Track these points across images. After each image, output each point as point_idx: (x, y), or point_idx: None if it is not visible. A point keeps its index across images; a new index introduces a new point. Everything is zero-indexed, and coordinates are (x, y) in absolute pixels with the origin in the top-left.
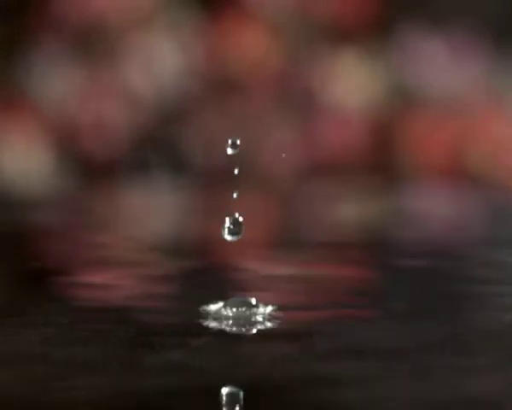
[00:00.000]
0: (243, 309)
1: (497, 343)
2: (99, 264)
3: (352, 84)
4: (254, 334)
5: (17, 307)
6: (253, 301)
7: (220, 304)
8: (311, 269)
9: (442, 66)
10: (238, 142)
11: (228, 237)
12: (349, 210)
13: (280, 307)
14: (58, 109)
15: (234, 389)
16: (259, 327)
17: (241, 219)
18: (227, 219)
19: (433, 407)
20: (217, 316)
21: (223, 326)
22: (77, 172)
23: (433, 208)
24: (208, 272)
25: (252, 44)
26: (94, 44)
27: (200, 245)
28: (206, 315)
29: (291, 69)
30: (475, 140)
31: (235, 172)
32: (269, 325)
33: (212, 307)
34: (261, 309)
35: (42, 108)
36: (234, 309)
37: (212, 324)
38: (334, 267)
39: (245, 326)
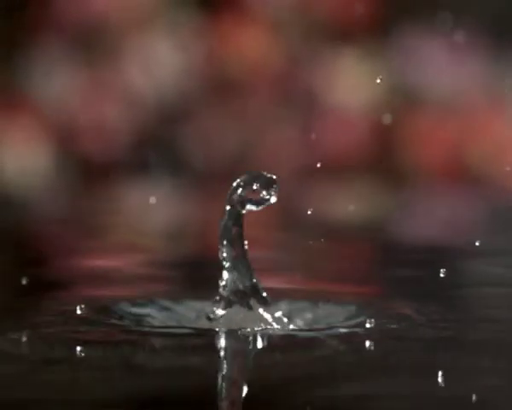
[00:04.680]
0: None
1: (498, 344)
2: (99, 263)
3: (352, 84)
4: (255, 335)
5: (17, 306)
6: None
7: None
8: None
9: (442, 66)
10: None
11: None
12: (349, 209)
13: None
14: (58, 109)
15: (233, 389)
16: (259, 328)
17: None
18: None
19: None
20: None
21: (223, 326)
22: (77, 172)
23: (433, 208)
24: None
25: (252, 44)
26: (94, 45)
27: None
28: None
29: (291, 69)
30: (475, 140)
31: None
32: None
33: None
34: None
35: (42, 108)
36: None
37: (213, 324)
38: (333, 266)
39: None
